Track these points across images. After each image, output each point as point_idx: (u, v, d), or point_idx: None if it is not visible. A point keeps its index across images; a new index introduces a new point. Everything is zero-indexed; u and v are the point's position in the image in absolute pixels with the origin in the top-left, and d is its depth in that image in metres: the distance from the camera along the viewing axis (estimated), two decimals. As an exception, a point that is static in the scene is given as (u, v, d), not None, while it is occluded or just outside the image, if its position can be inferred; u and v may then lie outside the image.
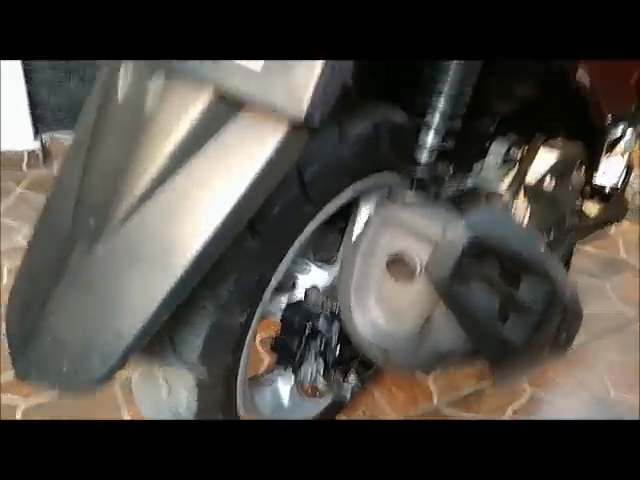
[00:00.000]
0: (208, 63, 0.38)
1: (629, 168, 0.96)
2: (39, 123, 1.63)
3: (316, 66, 0.34)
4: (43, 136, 1.64)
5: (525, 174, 0.87)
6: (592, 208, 1.07)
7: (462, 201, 0.88)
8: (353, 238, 0.81)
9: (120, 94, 0.45)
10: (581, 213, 1.07)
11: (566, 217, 0.95)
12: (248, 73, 0.37)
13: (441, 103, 0.61)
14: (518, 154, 0.94)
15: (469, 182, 0.93)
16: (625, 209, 1.32)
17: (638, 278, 1.65)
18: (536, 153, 0.86)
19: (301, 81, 0.35)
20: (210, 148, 0.42)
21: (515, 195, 0.89)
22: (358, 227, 0.80)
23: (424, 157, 0.64)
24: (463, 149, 0.88)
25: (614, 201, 1.07)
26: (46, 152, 1.66)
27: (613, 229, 1.94)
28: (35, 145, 1.62)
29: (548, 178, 0.86)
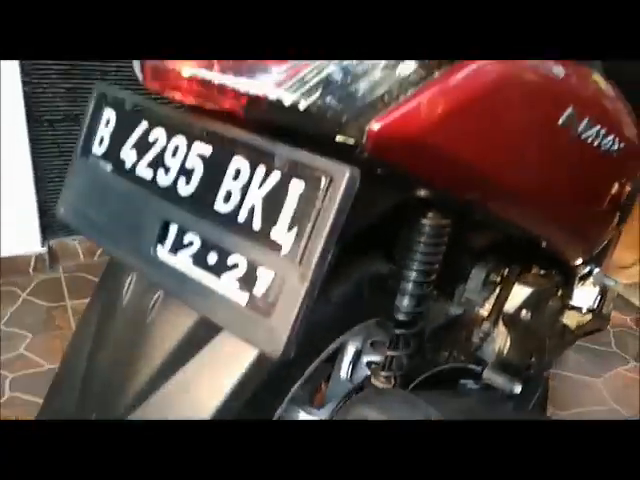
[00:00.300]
0: (197, 293, 0.44)
1: (603, 293, 1.01)
2: (47, 230, 1.72)
3: (295, 307, 0.41)
4: (50, 242, 1.72)
5: (502, 306, 0.92)
6: (573, 318, 1.11)
7: (447, 331, 0.92)
8: (341, 375, 0.86)
9: (124, 302, 0.51)
10: (562, 327, 1.11)
11: (546, 341, 1.00)
12: (232, 306, 0.43)
13: (412, 275, 0.67)
14: (498, 278, 1.00)
15: (452, 310, 0.98)
16: (607, 320, 1.36)
17: (629, 373, 1.66)
18: (511, 287, 0.92)
19: (280, 322, 0.41)
20: (199, 358, 0.48)
21: (495, 324, 0.94)
22: (345, 365, 0.85)
23: (400, 317, 0.69)
24: (444, 279, 0.94)
25: (594, 316, 1.12)
26: (52, 255, 1.73)
27: (604, 320, 1.98)
28: (42, 250, 1.70)
29: (524, 310, 0.92)
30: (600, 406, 1.50)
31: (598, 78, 0.60)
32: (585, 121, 0.54)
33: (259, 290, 0.42)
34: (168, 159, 0.49)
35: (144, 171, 0.50)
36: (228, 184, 0.45)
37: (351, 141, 0.43)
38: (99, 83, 0.57)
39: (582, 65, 0.56)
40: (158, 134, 0.50)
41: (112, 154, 0.53)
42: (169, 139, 0.49)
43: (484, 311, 0.98)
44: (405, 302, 0.68)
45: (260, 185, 0.43)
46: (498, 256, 0.99)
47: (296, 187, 0.41)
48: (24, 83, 1.52)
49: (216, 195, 0.45)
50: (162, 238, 0.47)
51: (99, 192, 0.54)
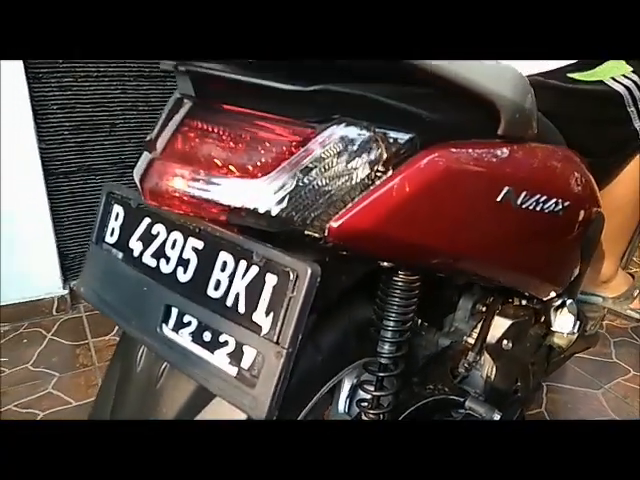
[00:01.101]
0: (196, 366, 0.54)
1: (581, 318, 1.08)
2: (67, 272, 1.84)
3: (274, 380, 0.50)
4: (71, 283, 1.84)
5: (485, 338, 1.00)
6: (558, 341, 1.18)
7: (435, 364, 1.00)
8: (339, 409, 0.94)
9: (138, 369, 0.61)
10: (548, 350, 1.18)
11: (529, 367, 1.07)
12: (224, 378, 0.52)
13: (390, 324, 0.76)
14: (484, 307, 1.08)
15: (441, 340, 1.06)
16: (595, 338, 1.43)
17: (629, 383, 1.70)
18: (492, 320, 1.00)
19: (263, 393, 0.50)
20: (201, 418, 0.57)
21: (480, 354, 1.02)
22: (343, 399, 0.93)
23: (383, 361, 0.78)
24: (433, 310, 1.02)
25: (579, 337, 1.19)
26: (73, 296, 1.85)
27: (604, 330, 2.03)
28: (64, 292, 1.82)
29: (506, 341, 1.00)
30: (599, 417, 1.54)
31: (541, 149, 0.68)
32: (523, 194, 0.62)
33: (245, 364, 0.51)
34: (168, 250, 0.58)
35: (149, 260, 0.60)
36: (217, 274, 0.54)
37: (316, 235, 0.53)
38: (107, 184, 0.67)
39: (523, 142, 0.65)
40: (159, 229, 0.60)
41: (122, 244, 0.63)
42: (168, 234, 0.59)
43: (471, 339, 1.06)
44: (386, 348, 0.76)
45: (243, 276, 0.53)
46: (483, 287, 1.06)
47: (271, 279, 0.51)
48: (39, 140, 1.65)
49: (208, 283, 0.55)
50: (166, 318, 0.57)
51: (112, 276, 0.63)
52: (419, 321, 1.04)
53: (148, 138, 0.58)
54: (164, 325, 0.57)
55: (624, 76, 0.98)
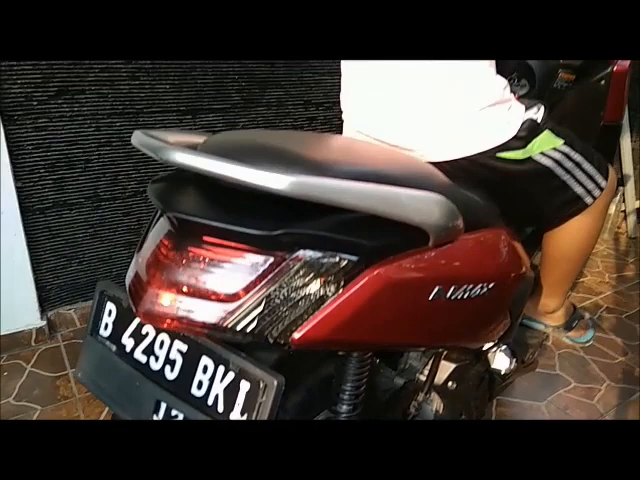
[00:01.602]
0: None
1: (515, 357, 1.23)
2: (44, 303, 1.91)
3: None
4: (48, 314, 1.91)
5: (433, 379, 1.14)
6: (499, 374, 1.32)
7: (391, 405, 1.14)
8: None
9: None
10: (490, 382, 1.33)
11: (471, 402, 1.22)
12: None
13: (347, 389, 0.88)
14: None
15: (396, 380, 1.19)
16: (535, 363, 1.59)
17: (569, 394, 1.87)
18: (439, 364, 1.14)
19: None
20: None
21: (429, 393, 1.16)
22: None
23: (342, 419, 0.90)
24: (388, 350, 1.15)
25: (518, 367, 1.34)
26: (51, 325, 1.92)
27: (550, 342, 2.20)
28: (42, 323, 1.88)
29: (450, 382, 1.14)
30: (542, 429, 1.69)
31: (469, 240, 0.81)
32: (452, 289, 0.75)
33: (225, 455, 0.63)
34: (157, 349, 0.69)
35: (140, 356, 0.71)
36: (199, 375, 0.66)
37: (282, 343, 0.65)
38: (101, 282, 0.77)
39: (452, 241, 0.77)
40: (148, 329, 0.71)
41: (115, 338, 0.74)
42: (157, 335, 0.70)
43: (423, 377, 1.20)
44: (344, 408, 0.89)
45: (221, 380, 0.64)
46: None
47: (244, 385, 0.63)
48: (15, 179, 1.70)
49: (192, 383, 0.66)
50: (156, 410, 0.68)
51: (107, 367, 0.74)
52: (377, 361, 1.17)
53: (134, 260, 0.69)
54: (155, 416, 0.68)
55: (554, 149, 1.08)
